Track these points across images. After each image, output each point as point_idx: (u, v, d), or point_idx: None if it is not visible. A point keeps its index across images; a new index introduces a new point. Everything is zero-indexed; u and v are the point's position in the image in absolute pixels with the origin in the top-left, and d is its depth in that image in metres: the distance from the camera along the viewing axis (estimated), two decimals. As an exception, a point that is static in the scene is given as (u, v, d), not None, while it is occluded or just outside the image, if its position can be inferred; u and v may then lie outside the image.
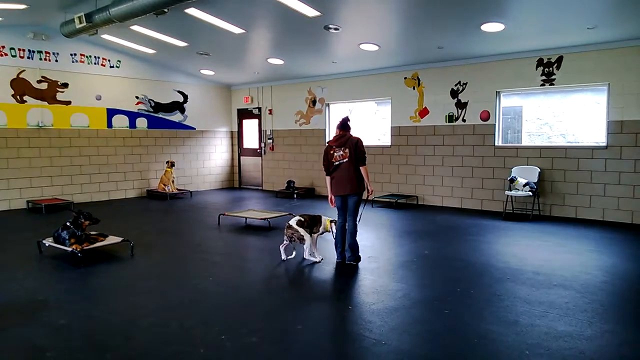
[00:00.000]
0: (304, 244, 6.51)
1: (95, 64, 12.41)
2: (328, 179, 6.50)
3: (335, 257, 6.58)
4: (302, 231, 6.46)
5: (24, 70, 11.15)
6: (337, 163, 6.35)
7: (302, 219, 6.54)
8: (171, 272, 6.24)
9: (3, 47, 10.82)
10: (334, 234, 6.59)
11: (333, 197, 6.50)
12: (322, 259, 6.56)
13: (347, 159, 6.29)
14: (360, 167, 6.33)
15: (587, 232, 8.38)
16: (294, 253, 6.74)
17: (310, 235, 6.52)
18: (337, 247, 6.55)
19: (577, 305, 4.84)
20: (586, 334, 4.15)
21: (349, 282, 5.83)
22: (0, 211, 10.88)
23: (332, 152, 6.39)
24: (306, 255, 6.57)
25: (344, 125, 6.46)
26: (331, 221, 6.64)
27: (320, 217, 6.71)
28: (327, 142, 6.57)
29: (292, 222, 6.52)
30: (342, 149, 6.31)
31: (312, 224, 6.58)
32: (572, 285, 5.45)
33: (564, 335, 4.11)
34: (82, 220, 6.66)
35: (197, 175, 15.09)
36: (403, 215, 10.24)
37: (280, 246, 6.71)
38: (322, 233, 6.68)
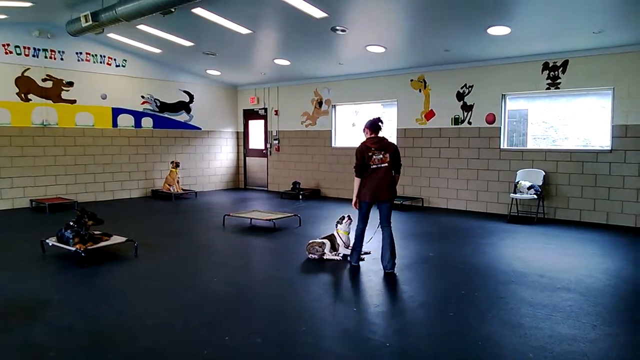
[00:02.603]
0: (324, 249, 6.71)
1: (100, 63, 12.44)
2: (358, 181, 6.08)
3: (351, 260, 6.43)
4: (318, 240, 6.77)
5: (29, 69, 11.18)
6: (374, 166, 5.96)
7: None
8: (175, 273, 6.24)
9: (8, 45, 10.85)
10: (342, 238, 6.82)
11: (359, 201, 6.17)
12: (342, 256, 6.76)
13: (387, 164, 5.98)
14: (396, 175, 6.12)
15: (591, 235, 8.36)
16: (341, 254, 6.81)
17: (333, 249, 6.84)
18: (353, 252, 6.40)
19: (581, 308, 4.83)
20: (590, 337, 4.14)
21: (353, 283, 5.83)
22: (3, 210, 10.91)
23: (370, 153, 5.96)
24: (326, 257, 6.73)
25: (377, 126, 6.16)
26: (338, 224, 6.89)
27: (332, 235, 6.95)
28: (363, 143, 6.10)
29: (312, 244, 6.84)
30: (382, 152, 5.97)
31: (331, 244, 6.85)
32: (576, 289, 5.44)
33: (568, 338, 4.10)
34: (86, 220, 6.65)
35: (202, 175, 15.11)
36: (408, 217, 10.23)
37: (327, 257, 6.74)
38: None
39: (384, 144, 6.04)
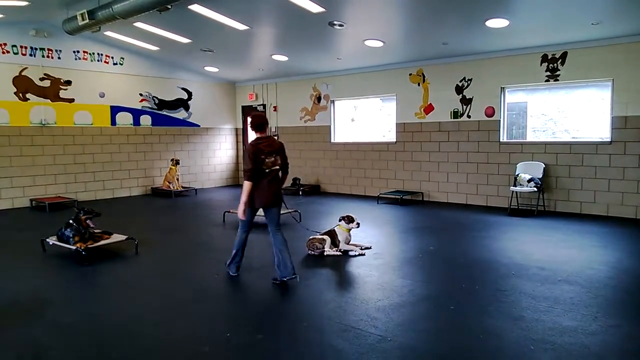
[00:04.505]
0: (324, 245, 6.73)
1: (98, 61, 12.41)
2: (249, 186, 5.46)
3: (229, 271, 5.87)
4: (319, 237, 6.78)
5: (26, 68, 11.14)
6: (267, 170, 5.49)
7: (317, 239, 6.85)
8: (176, 270, 6.24)
9: (5, 44, 10.82)
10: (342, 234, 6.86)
11: (246, 208, 5.58)
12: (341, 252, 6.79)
13: (278, 167, 5.58)
14: (284, 175, 5.72)
15: (591, 227, 8.35)
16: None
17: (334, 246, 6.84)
18: (232, 263, 5.84)
19: (581, 300, 4.83)
20: (591, 328, 4.14)
21: (354, 278, 5.82)
22: (3, 209, 10.91)
23: (263, 156, 5.44)
24: (326, 253, 6.73)
25: (262, 125, 5.62)
26: (341, 220, 6.86)
27: (333, 230, 6.93)
28: (255, 145, 5.49)
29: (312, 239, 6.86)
30: (274, 155, 5.53)
31: (331, 239, 6.85)
32: (576, 281, 5.44)
33: (569, 330, 4.10)
34: (81, 216, 6.66)
35: (201, 172, 15.10)
36: (408, 212, 10.22)
37: (327, 253, 6.74)
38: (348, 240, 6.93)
39: (275, 146, 5.61)
